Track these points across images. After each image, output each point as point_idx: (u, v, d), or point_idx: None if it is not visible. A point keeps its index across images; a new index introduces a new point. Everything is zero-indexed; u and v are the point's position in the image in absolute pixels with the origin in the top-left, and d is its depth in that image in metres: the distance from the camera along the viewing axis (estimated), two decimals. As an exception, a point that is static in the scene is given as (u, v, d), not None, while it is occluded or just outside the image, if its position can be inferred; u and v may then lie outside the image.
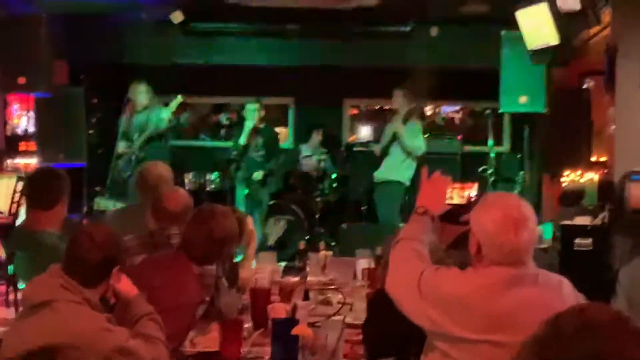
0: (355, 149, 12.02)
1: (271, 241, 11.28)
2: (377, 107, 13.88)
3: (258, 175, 10.96)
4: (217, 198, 11.24)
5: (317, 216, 11.60)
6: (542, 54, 8.35)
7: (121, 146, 10.76)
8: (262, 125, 11.16)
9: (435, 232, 3.75)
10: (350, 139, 13.22)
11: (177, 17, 10.86)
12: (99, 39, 11.48)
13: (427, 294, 3.27)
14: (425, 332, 3.35)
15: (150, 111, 10.94)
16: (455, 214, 3.94)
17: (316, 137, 12.26)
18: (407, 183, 10.33)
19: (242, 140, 11.00)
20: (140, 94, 10.87)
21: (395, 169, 10.44)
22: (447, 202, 3.80)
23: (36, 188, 5.10)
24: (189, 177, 11.50)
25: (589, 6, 6.80)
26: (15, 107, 11.31)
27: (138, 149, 10.76)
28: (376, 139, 12.85)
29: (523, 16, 8.24)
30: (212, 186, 11.65)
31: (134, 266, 4.47)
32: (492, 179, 10.61)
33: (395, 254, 3.55)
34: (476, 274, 3.27)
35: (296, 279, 5.05)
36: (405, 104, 10.57)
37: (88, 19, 11.10)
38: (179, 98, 10.77)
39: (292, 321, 3.89)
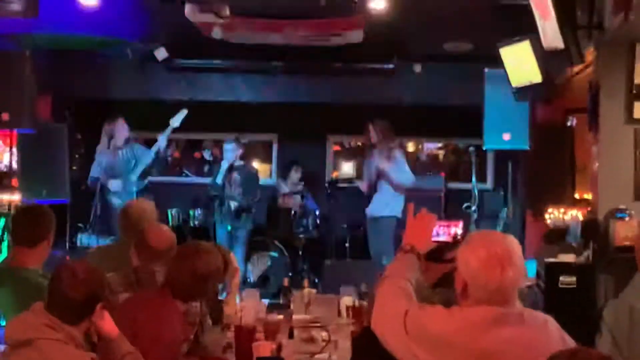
0: (338, 185, 12.00)
1: (254, 278, 11.25)
2: (359, 144, 13.88)
3: (232, 204, 10.93)
4: (200, 234, 11.23)
5: (300, 253, 11.58)
6: (525, 92, 8.37)
7: (114, 184, 10.68)
8: (239, 163, 11.13)
9: (420, 270, 3.74)
10: (333, 175, 13.22)
11: (161, 53, 10.87)
12: (83, 74, 11.50)
13: (413, 332, 3.26)
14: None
15: (131, 147, 10.93)
16: (440, 252, 3.93)
17: (295, 173, 12.24)
18: (399, 215, 10.31)
19: (219, 179, 10.98)
20: (122, 129, 10.84)
21: (386, 204, 10.42)
22: (433, 239, 3.79)
23: (21, 225, 5.05)
24: (172, 213, 11.46)
25: (572, 44, 6.82)
26: (-2, 143, 11.29)
27: (134, 184, 10.74)
28: (358, 176, 12.89)
29: (506, 54, 8.28)
30: (196, 222, 11.61)
31: (117, 304, 4.45)
32: (475, 215, 10.62)
33: (381, 291, 3.54)
34: (461, 312, 3.26)
35: (281, 316, 5.02)
36: (383, 138, 10.56)
37: (72, 54, 11.10)
38: (184, 111, 10.77)
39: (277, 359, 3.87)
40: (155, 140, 10.90)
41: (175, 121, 10.81)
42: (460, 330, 3.18)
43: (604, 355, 2.33)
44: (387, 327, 3.39)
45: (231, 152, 10.98)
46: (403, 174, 10.41)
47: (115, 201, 10.54)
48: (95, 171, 10.82)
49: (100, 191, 10.75)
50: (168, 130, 10.81)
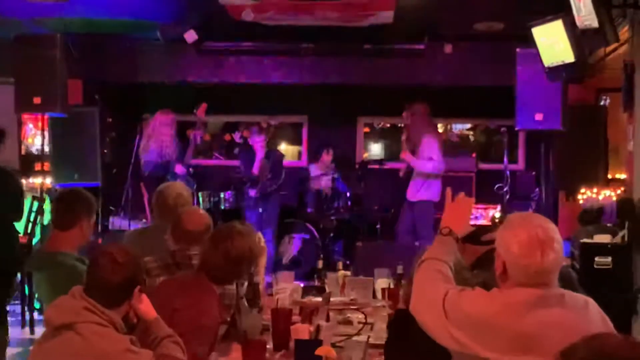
0: (369, 166, 11.98)
1: (285, 260, 11.27)
2: (392, 125, 13.83)
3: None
4: (230, 217, 11.24)
5: (331, 235, 11.58)
6: (557, 71, 8.30)
7: (179, 168, 10.69)
8: (267, 150, 11.21)
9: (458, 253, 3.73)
10: (362, 156, 13.22)
11: (191, 36, 10.87)
12: (113, 58, 11.53)
13: (452, 315, 3.25)
14: (451, 353, 3.32)
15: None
16: (477, 234, 3.92)
17: (326, 156, 12.23)
18: (437, 199, 10.26)
19: (255, 169, 11.07)
20: (167, 117, 10.88)
21: (419, 189, 10.38)
22: (471, 223, 3.78)
23: (56, 209, 5.09)
24: (202, 196, 11.49)
25: (606, 23, 6.74)
26: (30, 127, 11.36)
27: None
28: (388, 157, 12.88)
29: (538, 33, 8.21)
30: (226, 205, 11.63)
31: (155, 287, 4.46)
32: (507, 196, 10.57)
33: (420, 274, 3.53)
34: (501, 294, 3.24)
35: (318, 299, 5.01)
36: (412, 123, 10.53)
37: (103, 38, 11.14)
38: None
39: (315, 342, 3.86)
40: (186, 123, 10.96)
41: (200, 112, 10.89)
42: (501, 313, 3.16)
43: (625, 341, 2.30)
44: (426, 310, 3.38)
45: (259, 143, 11.07)
46: (427, 164, 10.33)
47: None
48: (151, 156, 10.77)
49: (135, 174, 10.79)
50: (198, 124, 10.96)
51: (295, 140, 13.60)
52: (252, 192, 11.09)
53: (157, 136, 10.69)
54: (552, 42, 8.04)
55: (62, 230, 4.93)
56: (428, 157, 10.32)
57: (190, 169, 10.88)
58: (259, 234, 5.20)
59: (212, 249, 4.42)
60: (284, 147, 13.69)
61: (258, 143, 11.13)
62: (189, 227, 4.93)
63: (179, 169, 10.67)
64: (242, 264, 4.45)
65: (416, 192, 10.41)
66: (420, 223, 10.34)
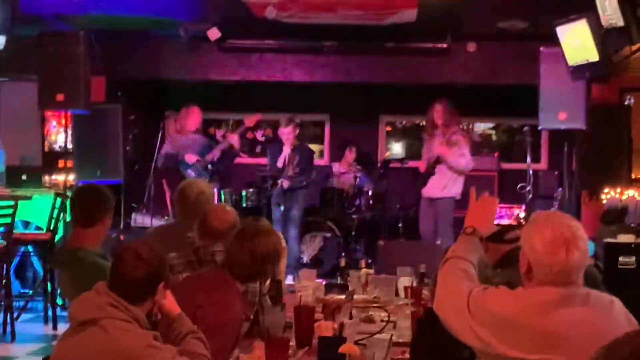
0: (391, 165, 11.97)
1: (307, 258, 11.27)
2: (412, 124, 13.82)
3: (285, 184, 10.99)
4: (253, 214, 11.24)
5: (352, 233, 11.57)
6: (582, 70, 8.28)
7: (191, 158, 10.73)
8: (296, 143, 11.16)
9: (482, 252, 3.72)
10: (384, 155, 13.22)
11: (213, 33, 10.88)
12: (136, 55, 11.56)
13: (477, 313, 3.24)
14: (475, 352, 3.31)
15: (201, 134, 11.11)
16: (500, 233, 3.90)
17: (349, 154, 12.24)
18: (458, 197, 10.24)
19: (280, 163, 11.04)
20: (197, 116, 10.93)
21: (444, 186, 10.33)
22: (495, 222, 3.77)
23: (77, 205, 5.10)
24: (224, 194, 11.50)
25: (632, 22, 6.72)
26: (53, 124, 11.41)
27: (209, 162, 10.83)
28: (409, 156, 12.85)
29: (563, 32, 8.19)
30: (248, 203, 11.64)
31: (178, 283, 4.47)
32: (529, 196, 10.54)
33: (444, 273, 3.52)
34: (526, 293, 3.23)
35: (341, 296, 5.00)
36: (445, 120, 10.48)
37: (125, 35, 11.17)
38: (259, 115, 11.05)
39: (339, 339, 3.85)
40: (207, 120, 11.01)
41: (250, 122, 10.96)
42: (526, 311, 3.15)
43: None
44: (450, 309, 3.37)
45: (288, 134, 11.02)
46: (462, 159, 10.28)
47: (191, 173, 10.57)
48: (166, 148, 10.86)
49: (158, 171, 10.84)
50: (242, 128, 11.02)
51: (318, 139, 13.60)
52: (285, 183, 11.01)
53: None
54: (577, 41, 8.02)
55: (84, 227, 4.94)
56: (460, 154, 10.25)
57: (209, 167, 10.88)
58: (279, 233, 5.20)
59: (237, 247, 4.42)
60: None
61: (286, 135, 11.08)
62: (215, 224, 4.95)
63: (190, 158, 10.70)
64: (267, 262, 4.45)
65: (441, 189, 10.33)
66: (442, 221, 10.30)
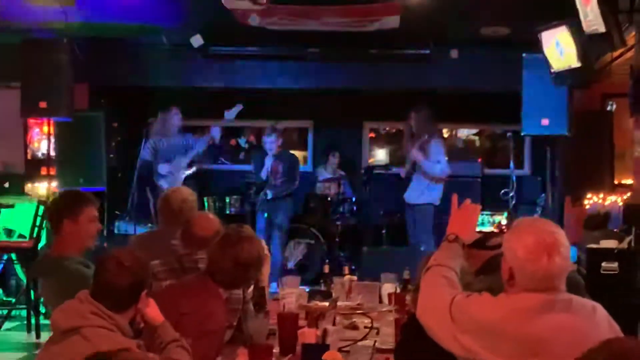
0: (375, 171, 11.99)
1: (291, 265, 11.26)
2: (395, 130, 13.82)
3: (270, 192, 11.00)
4: (236, 222, 11.21)
5: (336, 239, 11.57)
6: (564, 77, 8.30)
7: (163, 168, 10.76)
8: (279, 152, 11.19)
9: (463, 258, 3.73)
10: (368, 161, 13.22)
11: (196, 40, 10.88)
12: (119, 62, 11.52)
13: (459, 320, 3.24)
14: (457, 358, 3.31)
15: (184, 135, 11.08)
16: (482, 239, 3.91)
17: (333, 159, 12.25)
18: (437, 203, 10.34)
19: (264, 174, 11.08)
20: (175, 118, 10.97)
21: (422, 192, 10.44)
22: (478, 229, 3.78)
23: (46, 213, 5.08)
24: (208, 201, 11.49)
25: (613, 28, 6.74)
26: (36, 131, 11.37)
27: (183, 170, 10.84)
28: (393, 162, 12.88)
29: (545, 38, 8.21)
30: (232, 210, 11.63)
31: (161, 291, 4.46)
32: (513, 201, 10.57)
33: (426, 280, 3.52)
34: (508, 299, 3.24)
35: (325, 303, 5.01)
36: (419, 127, 10.59)
37: (108, 42, 11.14)
38: (240, 105, 11.08)
39: (323, 346, 3.86)
40: (193, 127, 11.01)
41: (231, 114, 10.96)
42: (508, 318, 3.16)
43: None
44: (432, 316, 3.37)
45: (271, 143, 11.05)
46: (436, 166, 10.42)
47: (164, 184, 10.58)
48: (145, 153, 10.90)
49: (141, 178, 10.84)
50: (222, 123, 11.01)
51: (301, 145, 13.58)
52: (269, 194, 11.02)
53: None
54: (559, 47, 8.04)
55: (54, 234, 4.89)
56: (436, 160, 10.39)
57: (184, 173, 10.91)
58: (262, 241, 5.20)
59: (220, 254, 4.42)
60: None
61: (269, 144, 11.10)
62: (199, 232, 4.95)
63: (163, 168, 10.73)
64: (250, 269, 4.45)
65: (419, 195, 10.48)
66: (420, 226, 10.41)
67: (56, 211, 4.87)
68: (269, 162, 11.08)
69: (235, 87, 11.92)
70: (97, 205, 4.92)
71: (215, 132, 11.17)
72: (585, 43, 7.54)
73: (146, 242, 5.82)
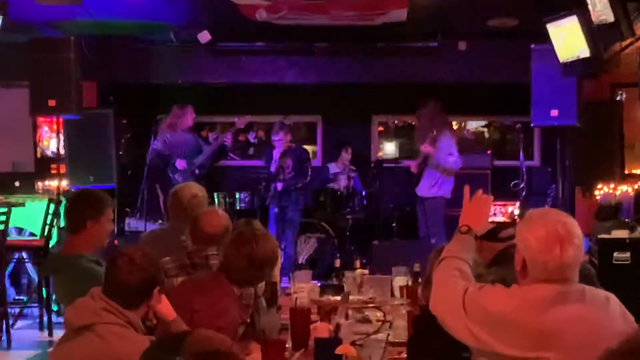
0: (384, 165, 11.98)
1: (302, 259, 11.25)
2: (404, 123, 13.80)
3: (279, 187, 11.02)
4: (247, 217, 11.22)
5: (347, 234, 11.57)
6: (573, 67, 8.28)
7: (180, 162, 10.78)
8: (289, 147, 11.19)
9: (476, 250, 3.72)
10: (377, 155, 13.21)
11: (204, 37, 10.87)
12: (127, 60, 11.53)
13: (472, 312, 3.23)
14: (471, 350, 3.31)
15: (194, 136, 11.11)
16: (494, 231, 3.90)
17: (345, 154, 12.23)
18: (448, 196, 10.34)
19: (273, 168, 11.07)
20: (189, 116, 10.99)
21: (433, 185, 10.45)
22: (490, 220, 3.76)
23: (65, 211, 5.09)
24: (218, 197, 11.49)
25: (622, 18, 6.73)
26: (45, 130, 11.38)
27: (197, 166, 10.86)
28: (402, 155, 12.87)
29: (553, 29, 8.19)
30: (242, 205, 11.62)
31: (173, 288, 4.46)
32: (523, 193, 10.55)
33: (439, 272, 3.51)
34: (521, 291, 3.22)
35: (336, 297, 4.99)
36: (430, 120, 10.59)
37: (116, 40, 11.15)
38: (249, 117, 11.23)
39: (335, 341, 3.85)
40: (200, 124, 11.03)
41: (240, 124, 11.01)
42: (521, 309, 3.15)
43: None
44: (445, 308, 3.36)
45: (279, 141, 11.05)
46: (448, 158, 10.40)
47: (178, 179, 10.58)
48: (156, 144, 10.88)
49: (151, 174, 10.85)
50: (233, 129, 11.06)
51: (310, 140, 13.57)
52: (279, 186, 11.03)
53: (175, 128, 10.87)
54: (568, 38, 8.02)
55: (72, 233, 4.90)
56: (448, 153, 10.38)
57: (196, 171, 10.92)
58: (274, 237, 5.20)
59: (234, 252, 4.41)
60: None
61: (277, 141, 11.11)
62: (207, 229, 4.93)
63: (180, 164, 10.74)
64: (264, 268, 4.45)
65: (430, 188, 10.49)
66: (431, 219, 10.40)
67: (79, 211, 4.87)
68: (277, 156, 11.09)
69: (243, 82, 11.92)
70: (115, 206, 4.95)
71: (227, 139, 11.19)
72: (594, 33, 7.52)
73: (157, 239, 5.81)
